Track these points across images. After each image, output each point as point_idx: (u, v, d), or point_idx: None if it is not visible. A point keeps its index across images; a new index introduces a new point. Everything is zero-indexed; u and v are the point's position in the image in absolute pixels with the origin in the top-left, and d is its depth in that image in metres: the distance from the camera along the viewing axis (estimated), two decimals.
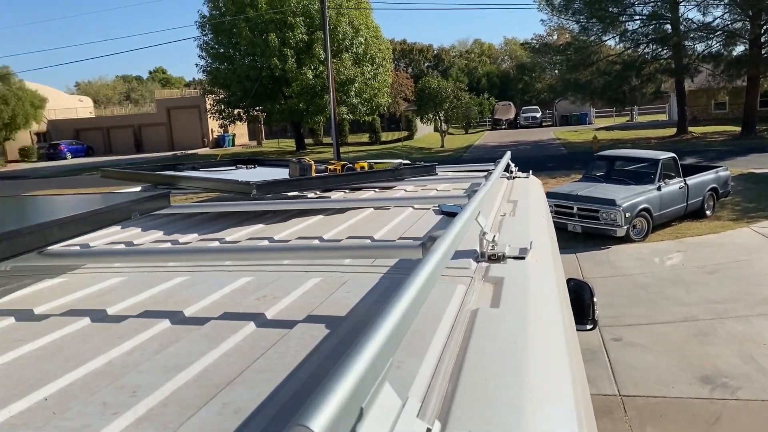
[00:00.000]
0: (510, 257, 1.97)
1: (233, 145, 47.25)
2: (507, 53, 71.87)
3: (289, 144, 44.59)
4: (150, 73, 72.81)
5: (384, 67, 38.49)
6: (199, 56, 38.65)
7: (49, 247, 1.72)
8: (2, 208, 2.22)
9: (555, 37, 41.33)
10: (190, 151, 42.10)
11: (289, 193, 3.47)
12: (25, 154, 44.77)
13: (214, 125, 45.60)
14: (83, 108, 53.20)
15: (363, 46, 36.54)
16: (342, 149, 30.39)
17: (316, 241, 2.57)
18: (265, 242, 2.51)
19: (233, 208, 2.87)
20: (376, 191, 3.92)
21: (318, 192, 3.74)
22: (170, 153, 41.97)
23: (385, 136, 48.61)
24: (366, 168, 3.59)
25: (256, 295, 1.73)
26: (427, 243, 1.48)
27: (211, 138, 47.17)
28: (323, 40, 27.58)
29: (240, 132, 48.76)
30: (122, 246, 2.49)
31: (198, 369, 1.22)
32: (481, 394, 1.06)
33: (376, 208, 3.37)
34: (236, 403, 1.06)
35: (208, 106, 41.13)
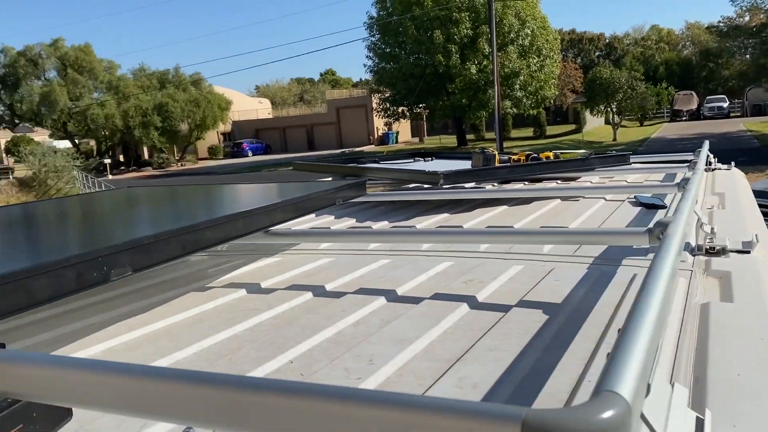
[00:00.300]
0: (733, 251, 1.81)
1: (396, 142, 48.46)
2: (688, 39, 66.18)
3: (450, 140, 44.78)
4: (321, 74, 77.10)
5: (551, 59, 37.24)
6: (366, 56, 40.14)
7: (272, 227, 1.87)
8: (216, 195, 2.46)
9: (747, 18, 37.31)
10: (357, 149, 43.86)
11: (470, 184, 3.48)
12: (212, 152, 49.46)
13: (379, 123, 47.08)
14: (262, 109, 57.67)
15: (529, 38, 35.63)
16: (505, 144, 29.91)
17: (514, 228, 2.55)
18: (461, 228, 2.53)
19: (421, 196, 2.93)
20: (558, 182, 3.81)
21: (496, 184, 3.71)
22: (338, 150, 44.05)
23: (551, 129, 47.02)
24: (551, 158, 3.49)
25: (462, 279, 1.75)
26: (655, 230, 1.40)
27: (376, 136, 48.80)
28: (488, 34, 27.33)
29: (403, 129, 49.89)
30: (330, 229, 2.65)
31: (425, 343, 1.25)
32: (737, 389, 0.98)
33: (563, 199, 3.26)
34: (472, 378, 1.07)
35: (374, 105, 42.57)
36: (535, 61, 35.84)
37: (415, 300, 1.56)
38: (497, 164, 3.32)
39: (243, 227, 1.69)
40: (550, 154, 3.52)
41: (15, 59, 38.29)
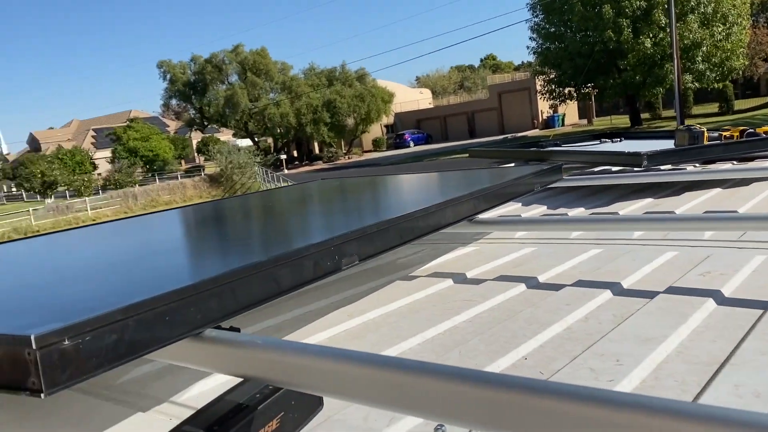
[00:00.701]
0: None
1: (563, 125, 46.52)
2: None
3: (622, 120, 42.00)
4: (481, 60, 76.16)
5: (739, 25, 33.44)
6: (529, 38, 38.90)
7: (476, 216, 1.81)
8: (411, 184, 2.45)
9: None
10: (519, 134, 42.80)
11: (666, 166, 3.16)
12: (376, 144, 51.00)
13: (543, 106, 45.49)
14: (423, 99, 58.30)
15: (712, 4, 32.27)
16: (686, 122, 27.43)
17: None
18: (678, 214, 2.30)
19: (621, 180, 2.72)
20: None
21: (698, 165, 3.34)
22: (501, 137, 43.26)
23: (739, 104, 42.33)
24: None
25: (696, 271, 1.56)
26: None
27: (540, 119, 47.22)
28: (665, 5, 25.16)
29: (569, 111, 47.74)
30: (523, 217, 2.54)
31: (675, 343, 1.12)
32: None
33: None
34: (749, 385, 0.93)
35: (538, 88, 41.15)
36: (719, 29, 32.38)
37: (647, 294, 1.42)
38: (706, 142, 2.98)
39: (451, 216, 1.65)
40: None
41: (203, 66, 42.27)
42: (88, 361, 0.72)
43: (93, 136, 59.79)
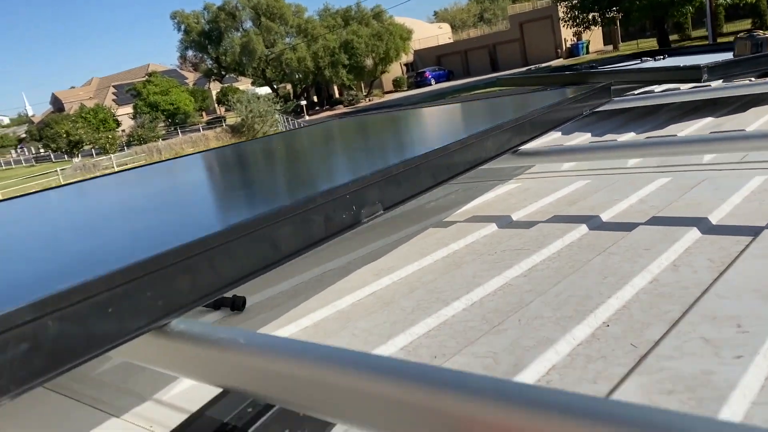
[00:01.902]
0: None
1: (588, 52, 44.91)
2: None
3: (650, 44, 40.30)
4: None
5: None
6: None
7: (521, 146, 1.52)
8: (443, 115, 2.15)
9: None
10: (543, 64, 41.41)
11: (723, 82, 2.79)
12: (397, 84, 49.92)
13: (567, 34, 43.84)
14: (443, 35, 56.57)
15: None
16: (718, 41, 26.12)
17: None
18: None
19: (679, 97, 2.38)
20: None
21: (753, 78, 2.96)
22: (524, 68, 41.92)
23: None
24: None
25: None
26: None
27: (564, 48, 45.62)
28: None
29: (594, 38, 45.94)
30: (582, 143, 2.24)
31: None
32: None
33: None
34: None
35: (561, 15, 39.56)
36: None
37: (746, 230, 1.13)
38: None
39: (492, 148, 1.36)
40: None
41: (216, 15, 41.38)
42: None
43: (114, 93, 59.71)
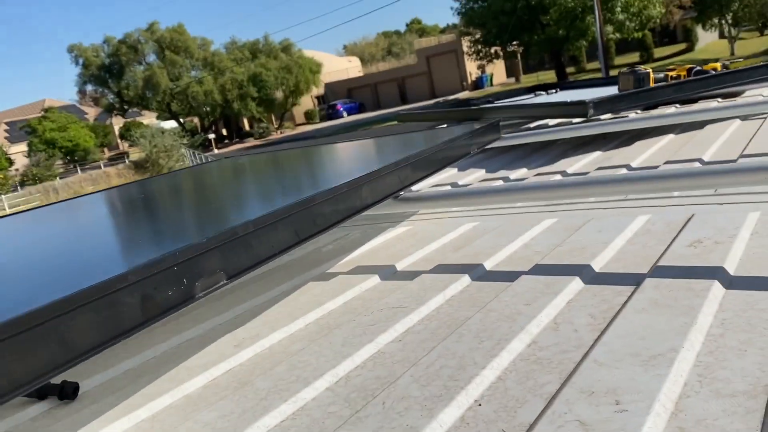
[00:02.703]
0: None
1: (492, 84, 46.77)
2: None
3: (549, 76, 42.49)
4: (407, 25, 75.25)
5: None
6: None
7: (403, 192, 1.43)
8: (326, 157, 2.04)
9: None
10: (451, 97, 42.68)
11: (607, 116, 2.87)
12: (309, 116, 49.89)
13: (471, 68, 45.51)
14: (353, 68, 57.28)
15: None
16: (611, 73, 27.87)
17: (697, 165, 1.98)
18: (625, 172, 1.99)
19: (566, 133, 2.39)
20: (719, 101, 3.09)
21: (639, 111, 3.07)
22: (432, 101, 43.01)
23: (659, 51, 43.50)
24: (719, 69, 2.80)
25: (694, 238, 1.23)
26: None
27: (469, 81, 47.27)
28: None
29: (497, 71, 47.95)
30: (467, 186, 2.19)
31: (691, 362, 0.77)
32: None
33: (742, 119, 2.60)
34: None
35: (465, 49, 41.12)
36: None
37: (631, 278, 1.07)
38: (652, 84, 2.68)
39: (369, 195, 1.26)
40: (718, 66, 2.82)
41: (117, 48, 39.95)
42: None
43: (6, 130, 56.23)
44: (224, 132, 47.29)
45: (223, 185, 1.73)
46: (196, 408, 0.89)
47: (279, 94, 42.78)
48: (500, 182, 2.25)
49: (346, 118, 46.66)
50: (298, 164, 1.87)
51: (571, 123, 2.78)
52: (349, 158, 1.86)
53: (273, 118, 46.56)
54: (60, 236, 1.29)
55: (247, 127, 46.94)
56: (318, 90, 50.78)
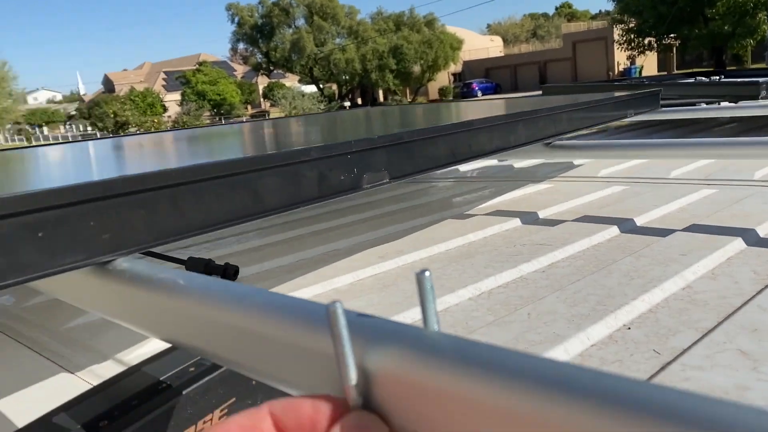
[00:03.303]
0: None
1: (640, 76, 44.11)
2: None
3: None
4: (556, 8, 72.48)
5: None
6: None
7: (555, 139, 1.41)
8: (476, 108, 2.04)
9: None
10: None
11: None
12: (443, 93, 49.74)
13: (620, 57, 43.15)
14: (494, 47, 56.23)
15: None
16: None
17: None
18: None
19: (731, 112, 2.23)
20: None
21: None
22: None
23: None
24: None
25: None
26: None
27: (616, 71, 44.89)
28: None
29: (648, 64, 45.09)
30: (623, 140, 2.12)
31: None
32: None
33: None
34: None
35: (616, 37, 38.98)
36: None
37: None
38: None
39: (522, 134, 1.25)
40: None
41: (270, 9, 41.83)
42: None
43: (164, 79, 60.89)
44: (359, 101, 48.34)
45: (378, 118, 1.79)
46: (345, 298, 0.95)
47: (416, 68, 42.92)
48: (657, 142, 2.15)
49: (481, 98, 45.98)
50: (448, 110, 1.90)
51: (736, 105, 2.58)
52: (501, 108, 1.86)
53: (408, 91, 46.88)
54: (257, 132, 1.40)
55: (381, 98, 47.65)
56: (455, 67, 50.38)
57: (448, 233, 1.27)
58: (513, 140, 1.23)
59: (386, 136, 0.87)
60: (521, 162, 2.16)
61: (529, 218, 1.37)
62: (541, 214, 1.40)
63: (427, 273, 0.31)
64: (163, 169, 0.57)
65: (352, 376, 0.31)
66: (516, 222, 1.34)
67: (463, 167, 2.30)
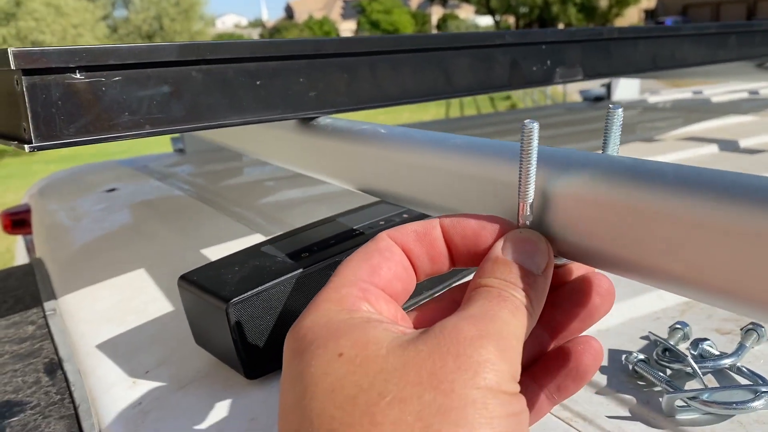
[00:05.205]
0: None
1: None
2: None
3: None
4: None
5: None
6: None
7: None
8: None
9: None
10: None
11: None
12: None
13: None
14: None
15: None
16: None
17: None
18: None
19: None
20: None
21: None
22: None
23: None
24: None
25: None
26: None
27: None
28: None
29: None
30: None
31: None
32: None
33: None
34: None
35: None
36: None
37: None
38: None
39: (735, 50, 1.13)
40: None
41: None
42: (113, 113, 0.46)
43: (342, 8, 62.44)
44: None
45: None
46: None
47: (604, 2, 39.89)
48: None
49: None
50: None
51: None
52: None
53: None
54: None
55: None
56: (648, 2, 46.10)
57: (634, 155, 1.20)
58: (723, 55, 1.11)
59: (584, 29, 0.82)
60: (720, 96, 1.96)
61: (729, 146, 1.25)
62: (743, 143, 1.27)
63: (620, 110, 0.33)
64: (363, 36, 0.59)
65: (530, 194, 0.32)
66: (713, 148, 1.23)
67: (654, 98, 2.14)
